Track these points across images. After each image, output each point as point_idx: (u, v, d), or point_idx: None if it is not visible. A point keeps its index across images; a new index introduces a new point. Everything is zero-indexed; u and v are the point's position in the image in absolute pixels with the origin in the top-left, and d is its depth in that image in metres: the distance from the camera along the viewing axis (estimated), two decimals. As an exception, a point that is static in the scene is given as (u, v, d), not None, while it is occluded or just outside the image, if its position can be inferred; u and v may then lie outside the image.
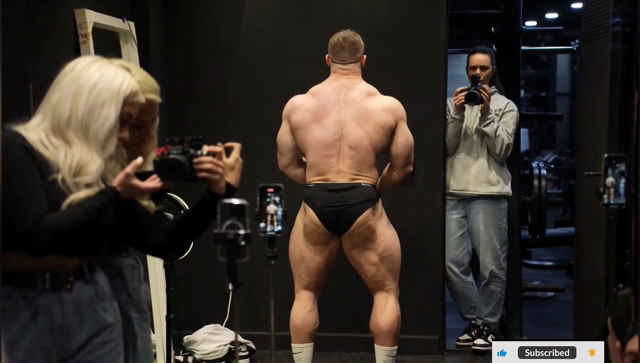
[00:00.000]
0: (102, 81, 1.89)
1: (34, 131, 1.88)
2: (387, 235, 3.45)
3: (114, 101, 1.89)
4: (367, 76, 3.61)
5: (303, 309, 3.51)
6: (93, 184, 1.87)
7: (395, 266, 3.49)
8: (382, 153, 3.49)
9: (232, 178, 2.04)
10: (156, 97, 2.07)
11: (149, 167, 1.98)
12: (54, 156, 1.85)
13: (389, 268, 3.47)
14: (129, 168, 1.88)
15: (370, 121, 3.41)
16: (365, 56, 3.53)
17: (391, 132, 3.44)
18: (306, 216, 3.42)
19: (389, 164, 3.54)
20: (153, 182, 1.91)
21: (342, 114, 3.42)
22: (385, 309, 3.47)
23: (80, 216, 1.82)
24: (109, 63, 1.94)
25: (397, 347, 3.52)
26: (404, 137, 3.46)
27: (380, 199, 3.46)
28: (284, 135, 3.52)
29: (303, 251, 3.47)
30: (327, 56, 3.54)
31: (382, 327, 3.47)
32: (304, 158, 3.53)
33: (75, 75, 1.90)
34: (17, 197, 1.80)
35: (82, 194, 1.84)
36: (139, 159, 1.90)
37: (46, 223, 1.79)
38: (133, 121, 1.96)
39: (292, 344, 3.54)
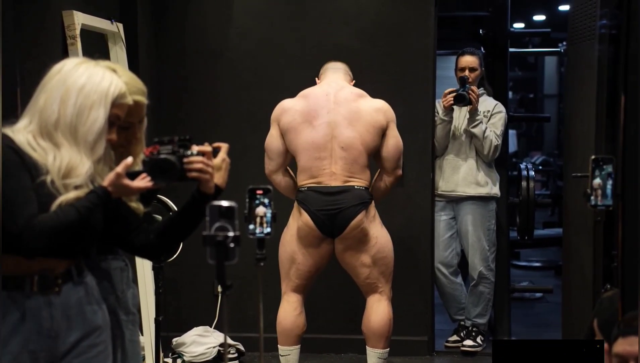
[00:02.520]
0: (90, 82, 1.88)
1: (21, 133, 1.88)
2: (380, 237, 3.45)
3: (103, 103, 1.89)
4: (357, 78, 3.63)
5: (293, 312, 3.50)
6: (82, 186, 1.86)
7: (388, 268, 3.49)
8: (373, 156, 3.49)
9: (219, 178, 2.04)
10: (143, 99, 2.07)
11: (138, 168, 1.98)
12: (42, 158, 1.85)
13: (381, 270, 3.47)
14: (120, 168, 1.88)
15: (361, 121, 3.41)
16: (354, 81, 3.62)
17: (382, 132, 3.44)
18: (300, 219, 3.41)
19: (378, 171, 3.54)
20: (144, 181, 1.90)
21: (332, 115, 3.41)
22: (378, 311, 3.47)
23: (72, 216, 1.81)
24: (96, 65, 1.94)
25: (388, 349, 3.52)
26: (395, 139, 3.47)
27: (373, 202, 3.47)
28: (273, 139, 3.50)
29: (295, 253, 3.46)
30: (316, 78, 3.63)
31: (374, 329, 3.47)
32: (289, 170, 3.54)
33: (63, 77, 1.89)
34: (8, 198, 1.79)
35: (71, 195, 1.84)
36: (129, 159, 1.90)
37: (38, 223, 1.79)
38: (120, 122, 1.96)
39: (279, 346, 3.53)
